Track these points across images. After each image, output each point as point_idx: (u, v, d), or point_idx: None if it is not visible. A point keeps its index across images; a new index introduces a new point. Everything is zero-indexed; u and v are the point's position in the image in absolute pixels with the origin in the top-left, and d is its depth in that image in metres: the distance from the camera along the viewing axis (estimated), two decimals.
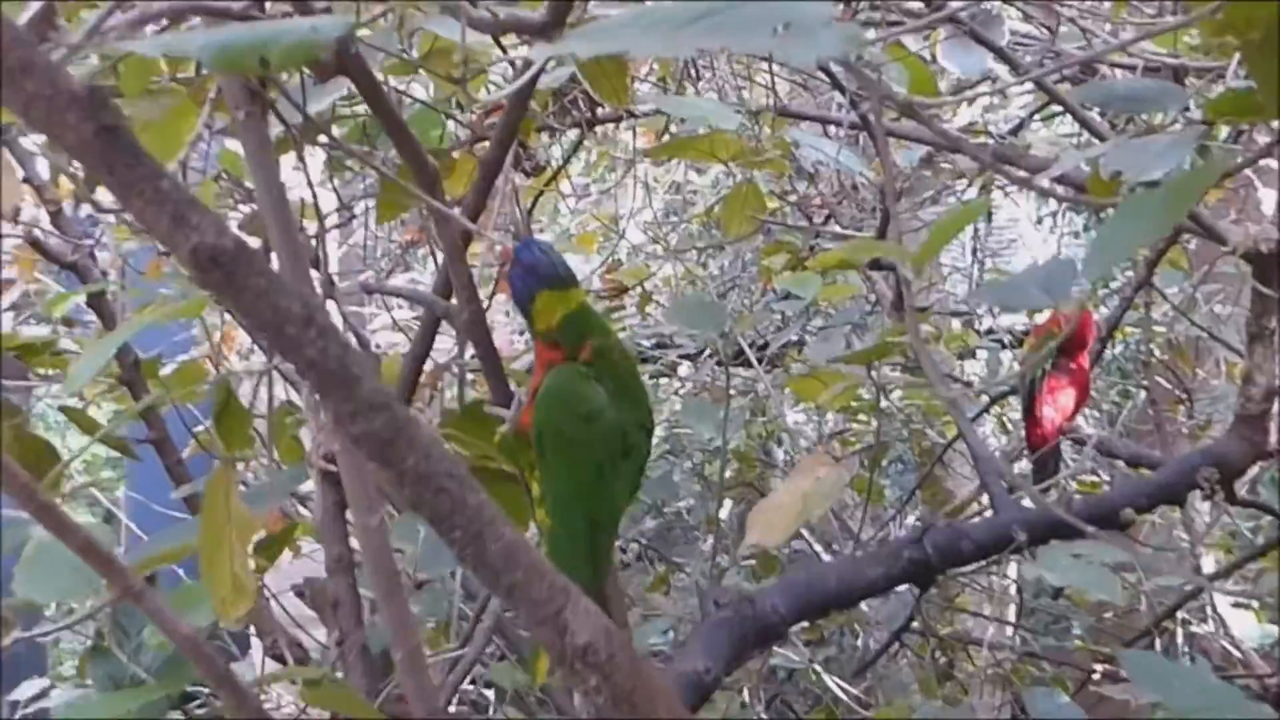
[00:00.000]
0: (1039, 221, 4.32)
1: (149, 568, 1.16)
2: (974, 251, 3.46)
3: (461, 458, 1.48)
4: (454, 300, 1.16)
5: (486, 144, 2.18)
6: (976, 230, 3.58)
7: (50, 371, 2.23)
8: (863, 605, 2.82)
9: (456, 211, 1.12)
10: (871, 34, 2.28)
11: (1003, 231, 5.10)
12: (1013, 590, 3.47)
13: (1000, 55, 1.72)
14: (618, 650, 0.82)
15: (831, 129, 2.33)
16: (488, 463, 1.73)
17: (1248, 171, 3.16)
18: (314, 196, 1.31)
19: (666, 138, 2.50)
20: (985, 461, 1.75)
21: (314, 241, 1.61)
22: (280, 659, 2.11)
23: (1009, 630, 3.39)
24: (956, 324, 3.62)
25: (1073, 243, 4.20)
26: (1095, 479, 3.13)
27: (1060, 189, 1.81)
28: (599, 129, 2.63)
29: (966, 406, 1.88)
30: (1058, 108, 2.84)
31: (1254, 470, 3.19)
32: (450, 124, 2.07)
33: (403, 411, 0.73)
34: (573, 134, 2.51)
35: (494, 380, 1.19)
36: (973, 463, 1.93)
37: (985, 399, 2.96)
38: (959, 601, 3.35)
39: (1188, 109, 1.30)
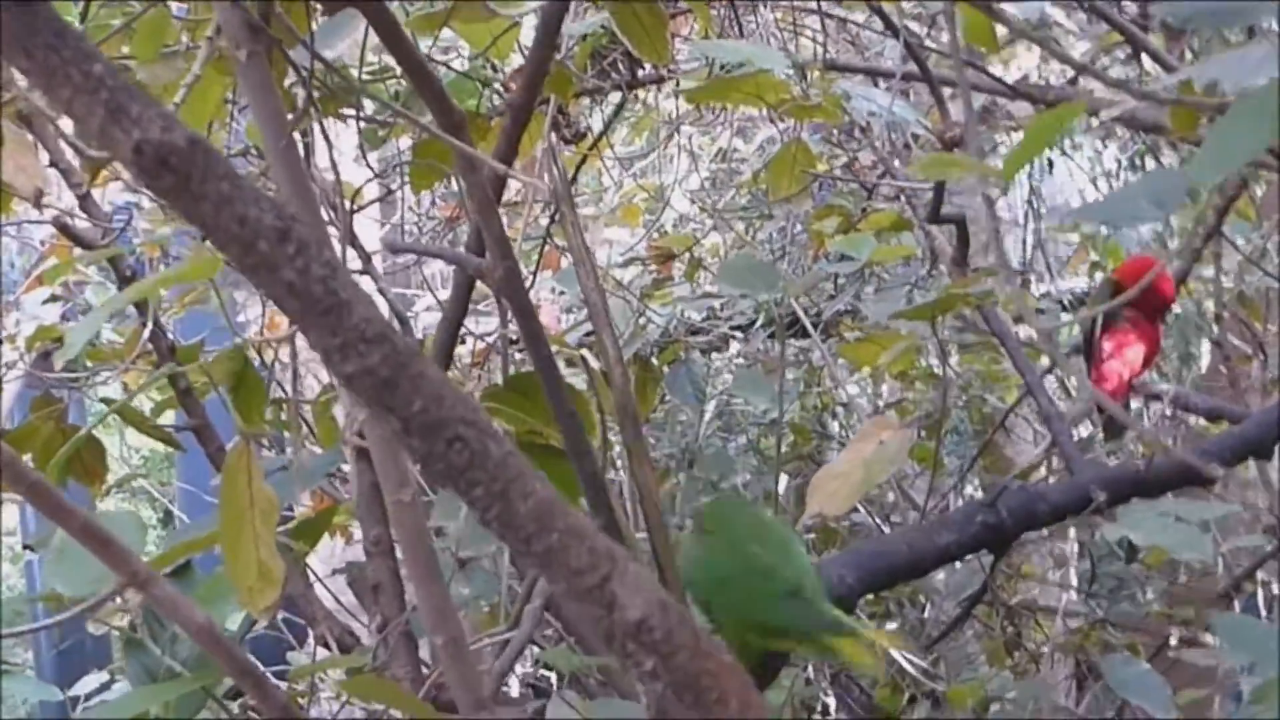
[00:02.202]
0: (1094, 181, 4.19)
1: (172, 560, 1.10)
2: (1030, 210, 3.35)
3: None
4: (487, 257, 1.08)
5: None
6: (1032, 189, 3.48)
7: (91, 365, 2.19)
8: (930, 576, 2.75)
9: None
10: None
11: (1062, 193, 4.98)
12: (1078, 556, 3.38)
13: None
14: (677, 626, 0.72)
15: (882, 85, 2.24)
16: (535, 438, 1.66)
17: None
18: (332, 161, 1.24)
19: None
20: (1057, 421, 1.66)
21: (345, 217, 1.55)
22: (339, 648, 2.05)
23: (1077, 597, 3.30)
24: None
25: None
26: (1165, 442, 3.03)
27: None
28: (642, 96, 2.56)
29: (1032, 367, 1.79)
30: (1118, 57, 2.75)
31: None
32: (487, 92, 2.00)
33: (406, 345, 0.63)
34: (614, 101, 2.44)
35: (533, 344, 1.11)
36: (1043, 422, 1.84)
37: (1046, 361, 2.87)
38: (1025, 569, 3.26)
39: None
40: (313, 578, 2.12)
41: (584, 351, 1.53)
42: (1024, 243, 3.85)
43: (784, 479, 3.57)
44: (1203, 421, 2.49)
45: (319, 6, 1.29)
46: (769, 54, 1.45)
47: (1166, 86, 1.02)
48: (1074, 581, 3.47)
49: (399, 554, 1.26)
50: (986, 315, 1.81)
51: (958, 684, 2.09)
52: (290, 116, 1.59)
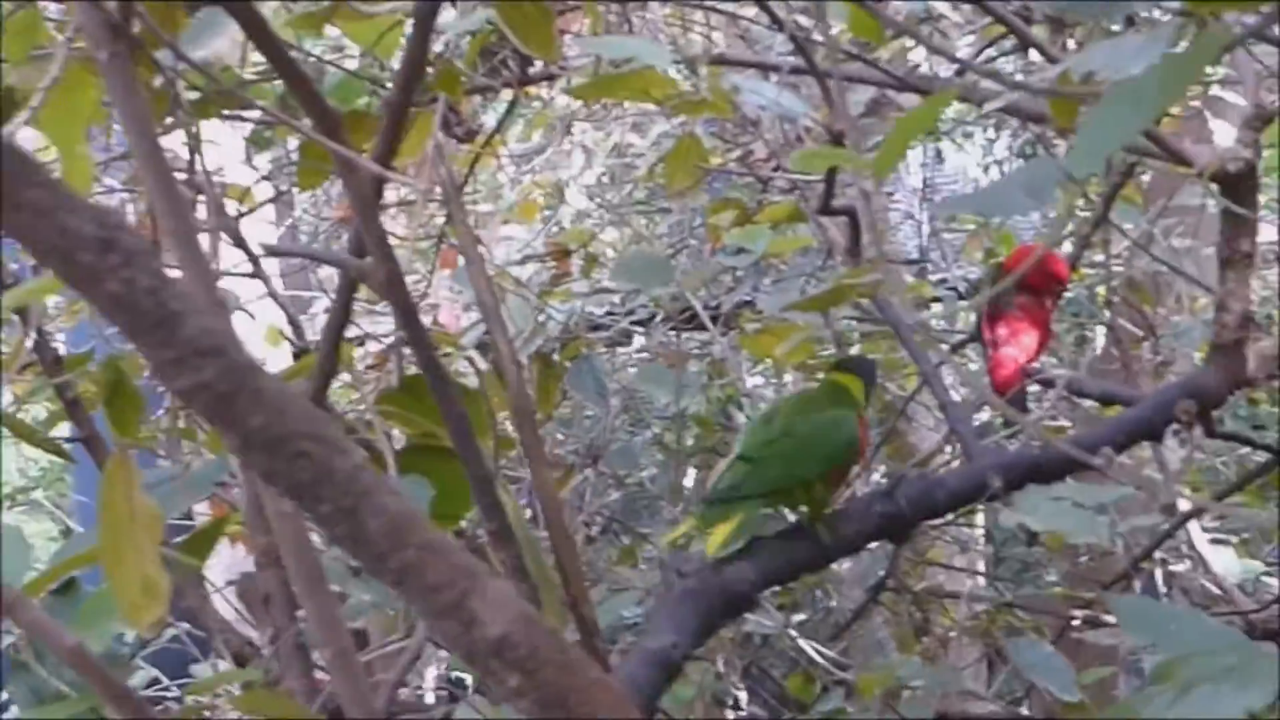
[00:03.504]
0: (986, 170, 4.25)
1: (56, 577, 1.06)
2: (922, 200, 3.38)
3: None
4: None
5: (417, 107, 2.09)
6: (925, 178, 3.51)
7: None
8: (834, 565, 2.76)
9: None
10: None
11: (952, 183, 5.04)
12: (983, 540, 3.42)
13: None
14: (542, 642, 0.70)
15: (773, 78, 2.24)
16: (430, 440, 1.63)
17: (1197, 102, 3.10)
18: (198, 162, 1.20)
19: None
20: (953, 407, 1.67)
21: (225, 220, 1.51)
22: (237, 659, 2.01)
23: (982, 581, 3.34)
24: (910, 275, 3.56)
25: None
26: (1059, 425, 3.08)
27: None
28: (538, 92, 2.54)
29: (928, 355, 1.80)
30: (1004, 49, 2.78)
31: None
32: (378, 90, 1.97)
33: (243, 357, 0.60)
34: (508, 98, 2.41)
35: (417, 346, 1.09)
36: (940, 411, 1.85)
37: (945, 348, 2.90)
38: (930, 554, 3.29)
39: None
40: (214, 587, 2.08)
41: (472, 353, 1.51)
42: (920, 231, 3.89)
43: (692, 471, 3.58)
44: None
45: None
46: (655, 50, 1.44)
47: (1047, 78, 1.03)
48: (980, 566, 3.52)
49: None
50: (880, 305, 1.81)
51: (867, 671, 2.10)
52: (170, 119, 1.55)
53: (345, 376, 2.25)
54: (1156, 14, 1.40)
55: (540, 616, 0.72)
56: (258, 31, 0.88)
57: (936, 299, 3.35)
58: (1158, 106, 0.63)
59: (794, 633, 2.51)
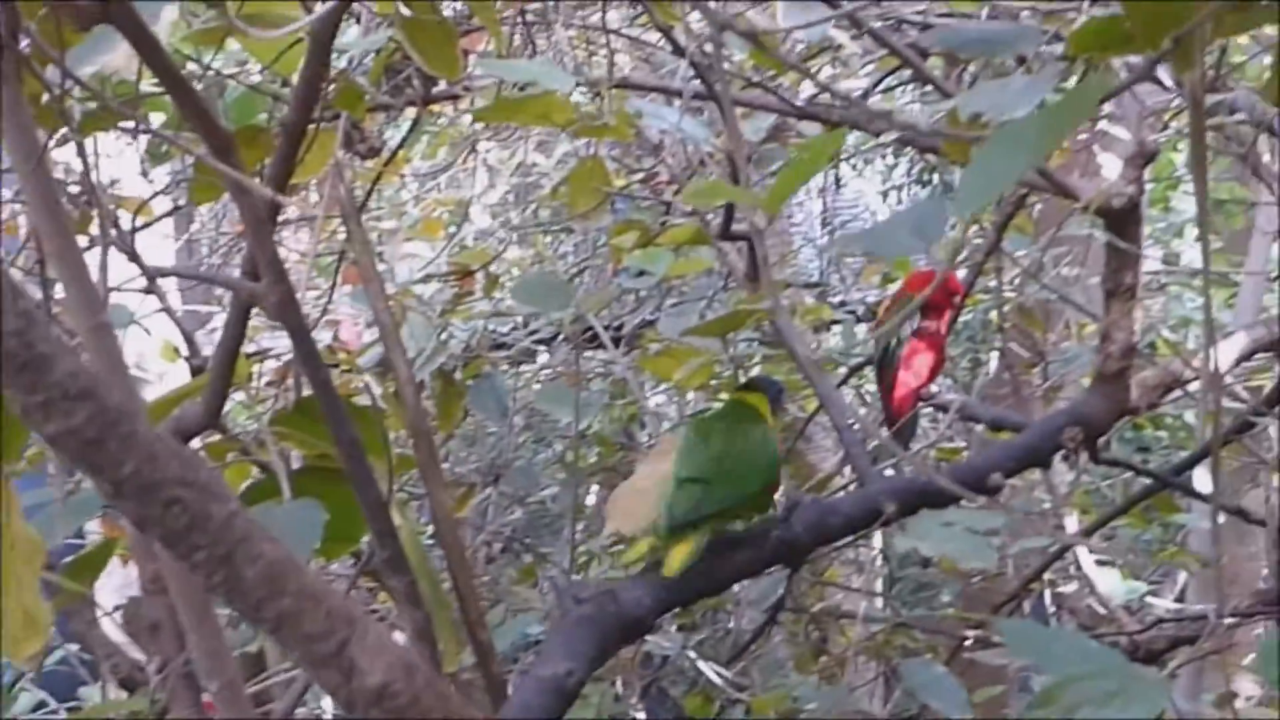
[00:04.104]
0: (885, 195, 4.32)
1: None
2: (823, 224, 3.42)
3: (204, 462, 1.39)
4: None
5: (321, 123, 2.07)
6: (825, 203, 3.56)
7: None
8: (734, 586, 2.78)
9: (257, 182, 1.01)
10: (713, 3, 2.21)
11: (852, 208, 5.11)
12: (880, 561, 3.47)
13: (850, 20, 1.65)
14: (423, 690, 0.69)
15: (677, 102, 2.26)
16: (326, 462, 1.62)
17: (1084, 135, 3.18)
18: (89, 173, 1.18)
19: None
20: (848, 433, 1.69)
21: (112, 235, 1.49)
22: (125, 685, 1.97)
23: (880, 602, 3.39)
24: (810, 298, 3.60)
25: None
26: (955, 446, 3.13)
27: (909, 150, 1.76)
28: (444, 110, 2.53)
29: (825, 378, 1.82)
30: (903, 77, 2.82)
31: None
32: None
33: (115, 401, 0.59)
34: (413, 115, 2.40)
35: (309, 368, 1.08)
36: (836, 435, 1.88)
37: (843, 371, 2.94)
38: (828, 575, 3.33)
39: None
40: (103, 611, 2.03)
41: (366, 376, 1.50)
42: (820, 255, 3.94)
43: (595, 489, 3.58)
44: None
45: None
46: (556, 74, 1.44)
47: (935, 117, 1.05)
48: (879, 586, 3.56)
49: None
50: (778, 329, 1.83)
51: (763, 692, 2.12)
52: (61, 132, 1.52)
53: (244, 395, 2.23)
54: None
55: (421, 663, 0.71)
56: (147, 49, 0.87)
57: (836, 321, 3.40)
58: (1040, 152, 0.65)
59: (692, 653, 2.52)
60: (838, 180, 3.17)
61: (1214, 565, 3.16)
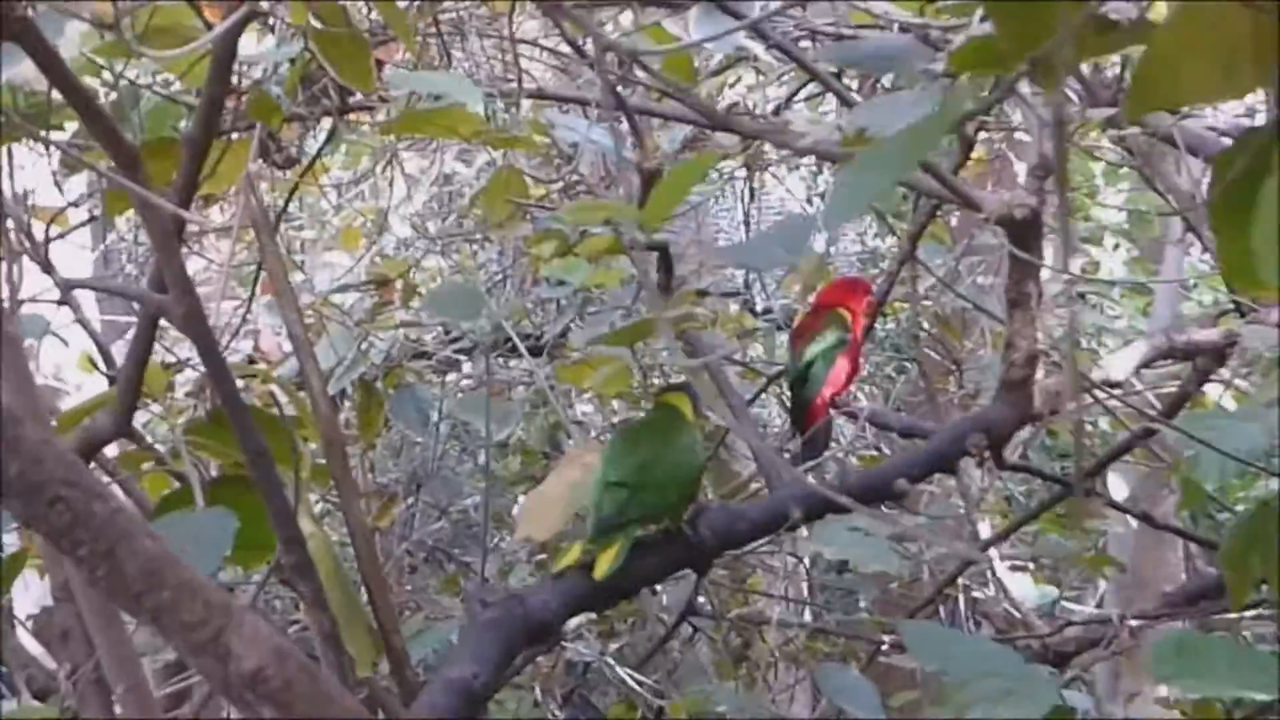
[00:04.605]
0: (809, 202, 4.36)
1: None
2: (747, 232, 3.46)
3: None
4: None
5: (238, 133, 2.07)
6: (747, 213, 3.59)
7: None
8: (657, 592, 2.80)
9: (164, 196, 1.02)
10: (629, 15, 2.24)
11: (778, 215, 5.16)
12: (803, 567, 3.50)
13: (751, 27, 1.69)
14: (295, 675, 0.72)
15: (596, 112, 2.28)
16: (241, 471, 1.62)
17: (1001, 144, 3.24)
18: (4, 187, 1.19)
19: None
20: (756, 440, 1.72)
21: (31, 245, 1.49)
22: (39, 696, 1.96)
23: (802, 608, 3.42)
24: (735, 306, 3.63)
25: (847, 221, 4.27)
26: (875, 453, 3.17)
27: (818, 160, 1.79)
28: (362, 121, 2.52)
29: (738, 386, 1.85)
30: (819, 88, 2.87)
31: (1025, 434, 3.28)
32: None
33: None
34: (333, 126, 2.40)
35: (217, 380, 1.09)
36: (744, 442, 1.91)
37: (763, 379, 2.97)
38: (751, 582, 3.36)
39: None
40: (19, 621, 2.02)
41: (274, 384, 1.51)
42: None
43: (520, 498, 3.59)
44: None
45: None
46: (464, 86, 1.46)
47: (830, 132, 1.08)
48: (804, 593, 3.60)
49: None
50: (689, 338, 1.86)
51: (678, 697, 2.14)
52: None
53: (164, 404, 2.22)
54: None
55: (296, 651, 0.73)
56: (50, 65, 0.88)
57: (758, 328, 3.43)
58: (903, 169, 0.68)
59: (611, 660, 2.54)
60: (752, 191, 3.20)
61: (1124, 569, 3.23)
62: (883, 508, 1.88)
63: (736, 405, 1.77)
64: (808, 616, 3.19)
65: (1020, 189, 1.80)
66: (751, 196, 3.01)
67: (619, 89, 1.72)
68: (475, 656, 1.32)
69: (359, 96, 2.21)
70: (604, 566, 1.46)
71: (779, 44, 1.55)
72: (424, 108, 1.56)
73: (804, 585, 3.59)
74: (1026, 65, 0.74)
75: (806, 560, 3.42)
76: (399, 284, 2.48)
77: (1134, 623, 2.29)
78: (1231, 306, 1.89)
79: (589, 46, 2.06)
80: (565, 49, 2.31)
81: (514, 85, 2.05)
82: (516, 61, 1.86)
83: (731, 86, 3.01)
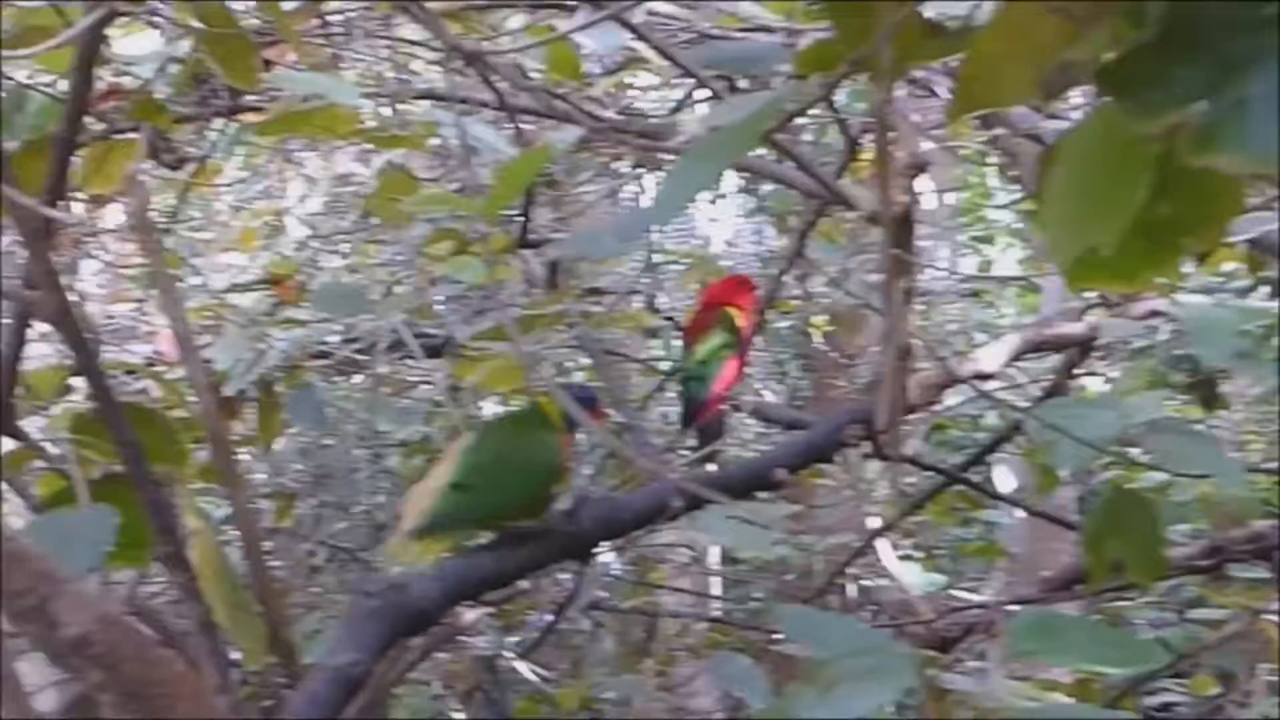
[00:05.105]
0: (713, 201, 4.42)
1: None
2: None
3: None
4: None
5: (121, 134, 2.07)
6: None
7: None
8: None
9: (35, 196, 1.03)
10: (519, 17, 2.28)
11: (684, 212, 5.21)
12: (705, 560, 3.56)
13: (633, 30, 1.72)
14: (122, 640, 0.75)
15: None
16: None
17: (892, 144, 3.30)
18: None
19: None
20: (640, 434, 1.76)
21: None
22: None
23: (703, 599, 3.48)
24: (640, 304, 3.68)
25: (745, 221, 4.34)
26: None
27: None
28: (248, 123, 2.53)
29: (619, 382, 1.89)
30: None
31: (924, 427, 3.36)
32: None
33: None
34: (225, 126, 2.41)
35: (89, 376, 1.11)
36: (627, 433, 1.95)
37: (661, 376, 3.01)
38: (654, 576, 3.41)
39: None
40: None
41: (149, 382, 1.52)
42: (647, 257, 4.02)
43: None
44: None
45: None
46: (342, 86, 1.49)
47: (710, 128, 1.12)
48: (706, 585, 3.66)
49: None
50: (579, 335, 1.90)
51: (568, 686, 2.18)
52: None
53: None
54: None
55: (123, 618, 0.76)
56: None
57: (659, 327, 3.47)
58: (723, 163, 0.72)
59: (512, 653, 2.57)
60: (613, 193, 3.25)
61: (1013, 558, 3.32)
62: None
63: (619, 399, 1.81)
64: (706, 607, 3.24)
65: (894, 186, 1.86)
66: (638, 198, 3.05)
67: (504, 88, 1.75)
68: (355, 645, 1.35)
69: (253, 97, 2.22)
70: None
71: (658, 46, 1.59)
72: (302, 108, 1.59)
73: (708, 578, 3.65)
74: (847, 66, 0.79)
75: (707, 553, 3.48)
76: (293, 284, 2.49)
77: (1013, 607, 2.38)
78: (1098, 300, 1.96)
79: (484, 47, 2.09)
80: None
81: (405, 85, 2.08)
82: (401, 62, 1.88)
83: (633, 88, 3.05)
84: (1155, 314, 1.78)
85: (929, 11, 0.96)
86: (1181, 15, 0.64)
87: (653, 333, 3.54)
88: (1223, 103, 0.62)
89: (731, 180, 4.61)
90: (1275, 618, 2.31)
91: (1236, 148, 0.61)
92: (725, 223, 4.32)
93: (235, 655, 1.52)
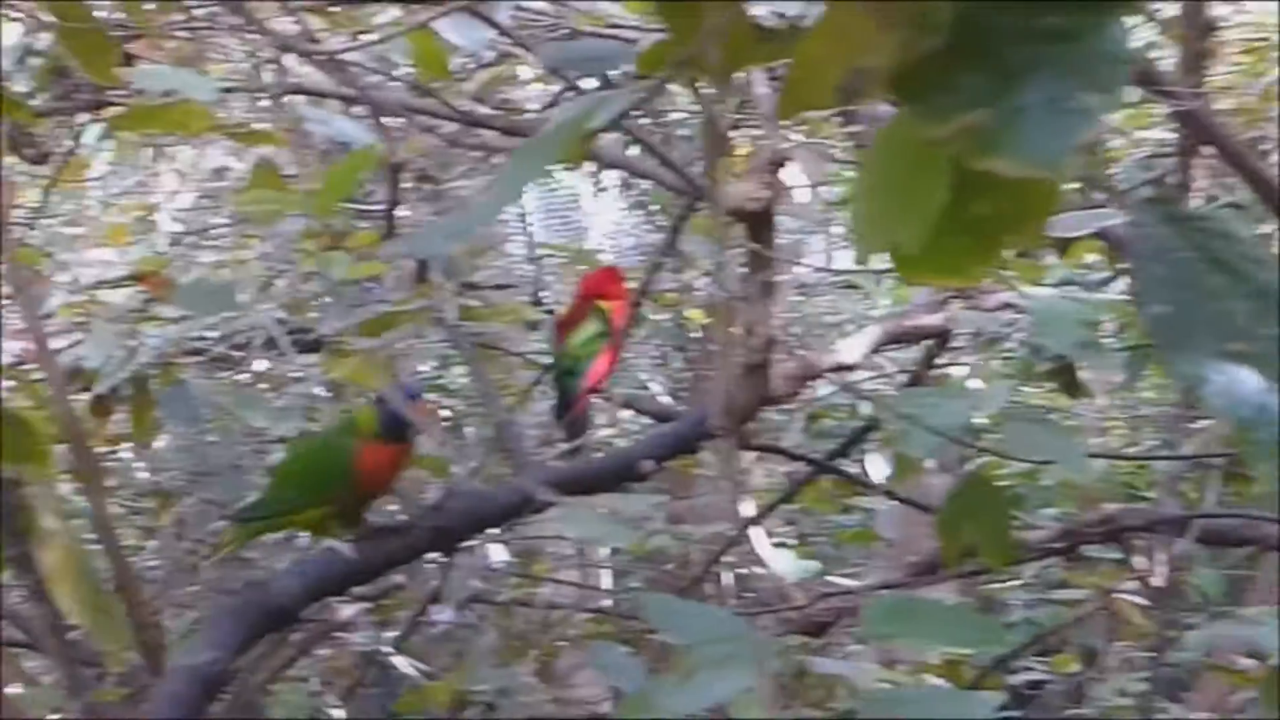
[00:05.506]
0: (595, 194, 4.45)
1: None
2: (522, 224, 3.53)
3: None
4: None
5: None
6: (523, 213, 3.66)
7: None
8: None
9: None
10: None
11: (568, 208, 5.25)
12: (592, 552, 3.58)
13: (495, 26, 1.74)
14: None
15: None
16: None
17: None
18: None
19: None
20: (506, 427, 1.78)
21: None
22: None
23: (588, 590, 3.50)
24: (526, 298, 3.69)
25: (628, 213, 4.38)
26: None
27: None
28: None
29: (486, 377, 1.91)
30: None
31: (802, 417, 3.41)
32: None
33: None
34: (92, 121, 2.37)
35: None
36: (495, 428, 1.97)
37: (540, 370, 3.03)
38: (538, 569, 3.42)
39: None
40: None
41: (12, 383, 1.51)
42: (530, 252, 4.04)
43: None
44: None
45: None
46: (197, 81, 1.48)
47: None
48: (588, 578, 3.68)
49: None
50: (448, 331, 1.91)
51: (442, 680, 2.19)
52: None
53: None
54: None
55: None
56: None
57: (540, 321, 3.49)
58: (551, 160, 0.74)
59: (388, 649, 2.57)
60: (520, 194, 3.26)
61: (889, 542, 3.38)
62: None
63: (486, 392, 1.82)
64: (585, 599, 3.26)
65: (754, 182, 1.90)
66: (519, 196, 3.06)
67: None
68: (214, 644, 1.35)
69: (119, 92, 2.20)
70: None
71: (521, 42, 1.61)
72: (157, 103, 1.57)
73: (595, 570, 3.67)
74: (673, 66, 0.81)
75: (592, 545, 3.51)
76: (162, 279, 2.46)
77: (883, 592, 2.43)
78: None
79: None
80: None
81: (275, 81, 2.06)
82: (272, 57, 1.87)
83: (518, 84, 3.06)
84: (1007, 306, 1.84)
85: (762, 13, 0.99)
86: (969, 24, 0.68)
87: (534, 326, 3.56)
88: (1003, 109, 0.65)
89: (614, 175, 4.66)
90: (1130, 597, 2.40)
91: (1014, 152, 0.65)
92: (606, 216, 4.35)
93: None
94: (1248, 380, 0.77)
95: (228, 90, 1.80)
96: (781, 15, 0.97)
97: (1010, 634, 3.15)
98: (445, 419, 3.30)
